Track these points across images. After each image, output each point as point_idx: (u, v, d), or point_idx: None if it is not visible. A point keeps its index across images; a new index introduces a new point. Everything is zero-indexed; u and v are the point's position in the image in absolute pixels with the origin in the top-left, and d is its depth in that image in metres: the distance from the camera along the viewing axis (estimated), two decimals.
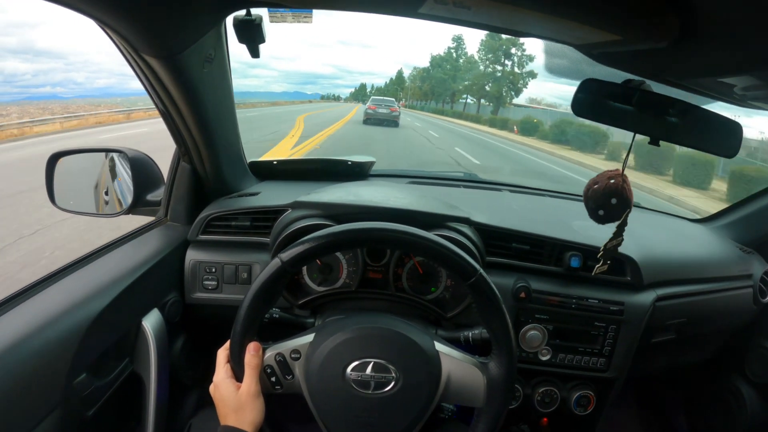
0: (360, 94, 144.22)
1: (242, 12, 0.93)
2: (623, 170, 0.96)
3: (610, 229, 0.97)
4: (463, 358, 0.84)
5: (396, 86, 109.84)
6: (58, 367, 0.79)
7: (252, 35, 0.95)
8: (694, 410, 1.73)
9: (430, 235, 0.79)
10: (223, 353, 0.84)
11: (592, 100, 0.89)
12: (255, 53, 0.99)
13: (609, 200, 0.95)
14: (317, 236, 0.78)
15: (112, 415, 0.97)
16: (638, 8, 0.63)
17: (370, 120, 20.96)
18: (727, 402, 1.56)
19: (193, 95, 0.99)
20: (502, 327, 0.81)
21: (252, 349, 0.81)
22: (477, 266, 0.80)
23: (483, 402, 0.83)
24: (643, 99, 0.86)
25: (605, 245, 1.00)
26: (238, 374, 0.82)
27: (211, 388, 0.83)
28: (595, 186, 0.97)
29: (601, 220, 0.98)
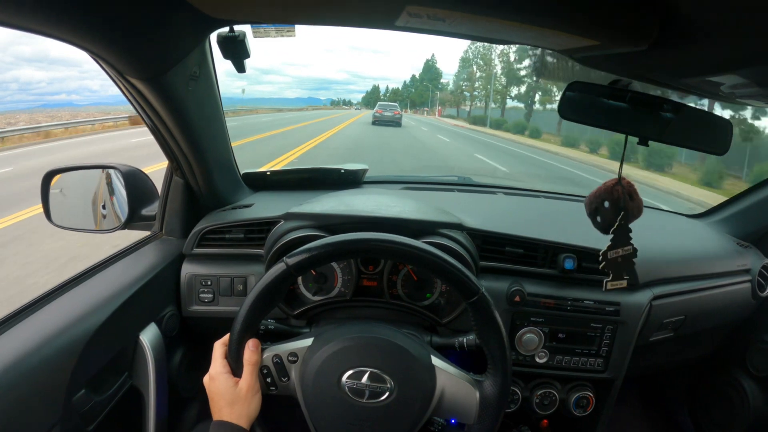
0: (372, 97, 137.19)
1: (225, 29, 0.93)
2: (620, 174, 0.94)
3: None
4: (458, 375, 0.84)
5: (412, 88, 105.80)
6: (56, 384, 0.80)
7: (236, 51, 0.96)
8: (697, 406, 1.72)
9: (434, 249, 0.80)
10: (220, 347, 0.85)
11: (579, 103, 0.88)
12: (241, 68, 0.99)
13: (602, 203, 0.94)
14: (324, 244, 0.79)
15: (112, 430, 0.97)
16: (614, 13, 0.62)
17: (377, 122, 24.74)
18: (730, 397, 1.55)
19: (179, 113, 0.99)
20: (499, 347, 0.82)
21: (252, 345, 0.82)
22: (479, 285, 0.80)
23: (474, 419, 0.83)
24: (633, 100, 0.85)
25: (604, 253, 0.96)
26: (235, 370, 0.82)
27: (206, 379, 0.83)
28: (592, 192, 0.96)
29: (601, 227, 0.96)
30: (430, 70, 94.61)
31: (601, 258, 0.96)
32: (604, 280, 0.98)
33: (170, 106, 0.96)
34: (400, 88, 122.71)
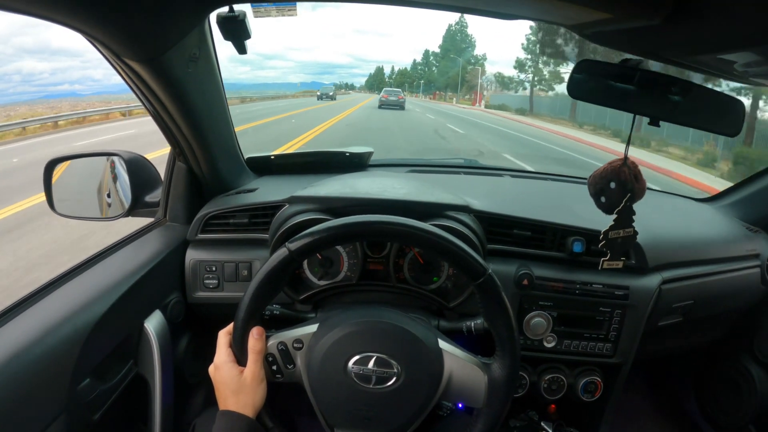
0: (376, 80, 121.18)
1: (225, 9, 0.91)
2: (626, 155, 0.93)
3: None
4: (466, 358, 0.83)
5: (426, 67, 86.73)
6: (61, 373, 0.79)
7: (236, 32, 0.94)
8: (704, 392, 1.71)
9: (440, 231, 0.78)
10: (224, 336, 0.84)
11: (588, 82, 0.87)
12: (242, 49, 0.97)
13: (608, 184, 0.94)
14: (326, 227, 0.78)
15: (118, 418, 0.97)
16: None
17: (383, 105, 27.46)
18: (737, 383, 1.55)
19: (180, 96, 0.98)
20: (507, 329, 0.80)
21: (256, 333, 0.81)
22: (486, 266, 0.78)
23: (483, 403, 0.82)
24: (643, 79, 0.83)
25: (605, 233, 0.97)
26: (239, 358, 0.82)
27: (211, 369, 0.83)
28: (596, 173, 0.95)
29: (605, 207, 0.96)
30: (454, 38, 70.30)
31: (602, 237, 0.98)
32: (601, 259, 1.00)
33: (170, 88, 0.94)
34: (408, 68, 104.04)
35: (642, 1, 0.61)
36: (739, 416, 1.55)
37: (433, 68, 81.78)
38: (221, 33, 0.94)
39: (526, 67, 37.86)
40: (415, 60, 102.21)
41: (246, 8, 0.92)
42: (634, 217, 0.97)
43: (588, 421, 1.37)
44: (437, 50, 79.87)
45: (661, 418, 1.82)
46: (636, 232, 0.98)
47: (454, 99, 58.44)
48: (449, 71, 66.63)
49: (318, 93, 39.00)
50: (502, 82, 47.91)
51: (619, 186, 0.93)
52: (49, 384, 0.78)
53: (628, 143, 0.93)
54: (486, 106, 40.09)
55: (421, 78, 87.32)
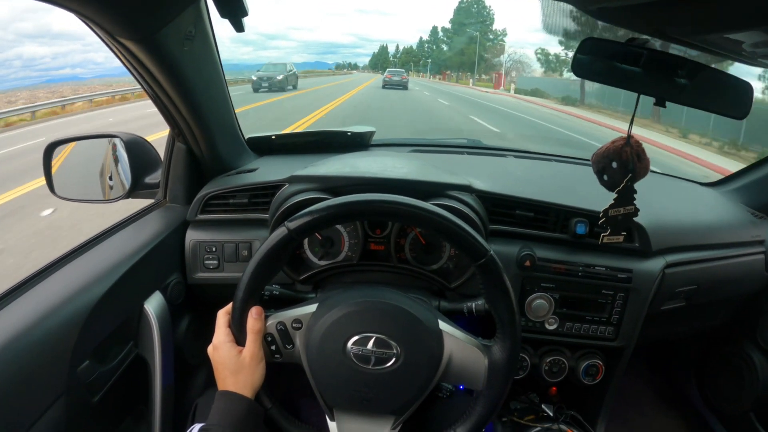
0: (380, 59, 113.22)
1: None
2: (629, 133, 0.92)
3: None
4: (466, 340, 0.83)
5: (431, 46, 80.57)
6: (60, 355, 0.80)
7: (233, 9, 0.91)
8: (705, 378, 1.71)
9: (440, 210, 0.77)
10: (223, 316, 0.84)
11: (594, 61, 0.86)
12: (239, 27, 0.95)
13: (609, 164, 0.94)
14: (325, 206, 0.77)
15: (118, 399, 0.98)
16: None
17: (387, 85, 28.02)
18: (739, 369, 1.54)
19: (176, 75, 0.96)
20: (508, 311, 0.80)
21: (255, 313, 0.81)
22: (487, 247, 0.77)
23: (483, 385, 0.82)
24: (650, 58, 0.82)
25: (605, 211, 0.98)
26: (238, 338, 0.82)
27: (210, 349, 0.83)
28: (598, 151, 0.95)
29: (608, 186, 0.96)
30: (469, 10, 62.80)
31: (601, 215, 0.99)
32: (601, 234, 1.01)
33: (166, 67, 0.93)
34: (414, 47, 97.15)
35: None
36: (740, 402, 1.54)
37: (443, 46, 75.38)
38: (217, 10, 0.92)
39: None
40: (421, 38, 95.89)
41: None
42: (635, 195, 0.97)
43: (589, 405, 1.37)
44: (448, 26, 72.81)
45: (662, 403, 1.83)
46: (637, 209, 0.98)
47: (471, 80, 49.88)
48: (464, 48, 58.10)
49: (253, 78, 20.60)
50: (546, 61, 38.61)
51: (620, 165, 0.93)
52: (48, 366, 0.78)
53: (631, 122, 0.91)
54: (516, 91, 31.96)
55: (429, 57, 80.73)
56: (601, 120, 15.55)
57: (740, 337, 1.55)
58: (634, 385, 1.84)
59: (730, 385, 1.59)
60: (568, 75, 28.62)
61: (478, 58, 51.25)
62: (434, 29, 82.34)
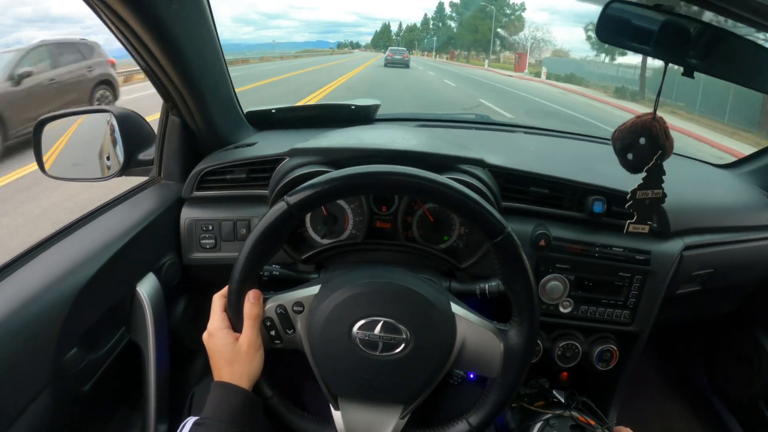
0: (382, 38, 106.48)
1: None
2: (656, 109, 0.84)
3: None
4: (480, 323, 0.77)
5: (437, 23, 73.92)
6: (43, 343, 0.75)
7: None
8: (715, 364, 1.69)
9: (454, 183, 0.71)
10: (219, 300, 0.79)
11: (617, 25, 0.80)
12: None
13: (637, 139, 0.85)
14: (327, 179, 0.71)
15: (111, 388, 0.94)
16: None
17: (388, 64, 28.74)
18: (749, 356, 1.51)
19: (164, 36, 0.89)
20: (526, 293, 0.74)
21: (252, 297, 0.75)
22: (505, 223, 0.72)
23: (498, 372, 0.77)
24: (675, 24, 0.76)
25: (633, 191, 0.89)
26: (235, 324, 0.76)
27: (205, 336, 0.78)
28: (622, 126, 0.87)
29: (632, 165, 0.87)
30: None
31: (629, 197, 0.89)
32: (627, 221, 0.92)
33: (152, 27, 0.86)
34: (418, 24, 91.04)
35: None
36: (749, 390, 1.53)
37: (449, 22, 69.06)
38: None
39: None
40: (426, 15, 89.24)
41: None
42: (663, 177, 0.89)
43: (601, 391, 1.33)
44: (456, 0, 65.48)
45: (671, 390, 1.81)
46: (665, 194, 0.90)
47: (486, 61, 42.34)
48: (477, 24, 50.59)
49: None
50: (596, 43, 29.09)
51: (649, 141, 0.84)
52: (31, 356, 0.73)
53: (658, 97, 0.84)
54: (548, 77, 25.79)
55: (434, 34, 75.46)
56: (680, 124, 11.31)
57: (751, 324, 1.52)
58: (642, 371, 1.80)
59: (739, 372, 1.57)
60: (621, 59, 22.92)
61: (493, 35, 45.10)
62: (440, 5, 76.45)
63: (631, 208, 0.90)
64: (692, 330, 1.76)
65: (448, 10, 72.96)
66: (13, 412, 0.70)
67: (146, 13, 0.83)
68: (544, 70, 27.66)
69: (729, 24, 0.78)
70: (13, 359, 0.70)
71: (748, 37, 0.79)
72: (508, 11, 49.24)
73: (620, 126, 0.87)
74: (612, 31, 0.81)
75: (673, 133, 0.86)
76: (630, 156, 0.86)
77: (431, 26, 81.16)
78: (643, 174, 0.87)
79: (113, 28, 0.86)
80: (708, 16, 0.78)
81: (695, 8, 0.75)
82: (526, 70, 31.47)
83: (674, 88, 13.56)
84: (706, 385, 1.71)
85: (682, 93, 13.99)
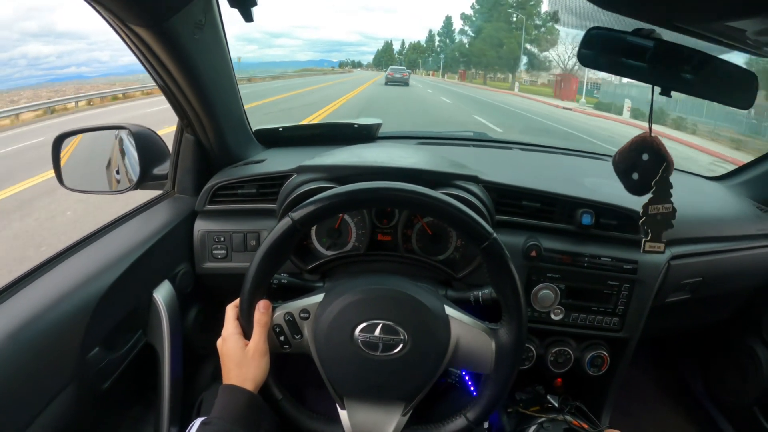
0: (384, 56, 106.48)
1: None
2: (650, 127, 0.88)
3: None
4: (473, 323, 0.84)
5: (443, 39, 67.76)
6: (70, 342, 0.81)
7: None
8: (710, 371, 1.71)
9: (443, 196, 0.78)
10: (232, 309, 0.85)
11: (599, 50, 0.85)
12: (248, 17, 0.95)
13: (640, 156, 0.87)
14: (328, 195, 0.78)
15: (127, 387, 0.99)
16: None
17: (389, 82, 31.05)
18: (744, 364, 1.54)
19: (186, 64, 0.97)
20: (513, 293, 0.81)
21: (261, 306, 0.82)
22: (491, 230, 0.78)
23: (491, 368, 0.83)
24: (656, 48, 0.81)
25: (645, 206, 0.89)
26: (246, 331, 0.83)
27: (219, 342, 0.84)
28: (622, 148, 0.89)
29: (639, 185, 0.88)
30: None
31: (642, 212, 0.90)
32: (643, 240, 0.92)
33: (176, 55, 0.94)
34: (422, 42, 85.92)
35: None
36: (744, 396, 1.55)
37: (461, 37, 56.64)
38: (227, 0, 0.93)
39: None
40: (431, 30, 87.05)
41: None
42: (671, 191, 0.89)
43: (593, 396, 1.37)
44: (468, 11, 53.42)
45: (666, 396, 1.83)
46: (675, 209, 0.90)
47: (516, 84, 34.23)
48: (502, 38, 39.37)
49: None
50: None
51: (652, 156, 0.86)
52: (58, 353, 0.79)
53: (650, 116, 0.89)
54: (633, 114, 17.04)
55: (441, 52, 68.85)
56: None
57: (745, 331, 1.55)
58: (638, 378, 1.84)
59: (734, 379, 1.59)
60: None
61: (522, 51, 35.96)
62: (448, 18, 69.28)
63: (644, 225, 0.90)
64: (688, 338, 1.79)
65: (458, 25, 64.49)
66: (41, 403, 0.75)
67: (172, 43, 0.91)
68: (627, 103, 18.14)
69: (703, 46, 0.84)
70: (42, 354, 0.76)
71: (722, 56, 0.84)
72: (538, 22, 39.27)
73: (619, 149, 0.89)
74: (594, 56, 0.85)
75: (675, 145, 0.88)
76: (635, 175, 0.88)
77: (437, 44, 75.29)
78: (650, 189, 0.87)
79: (138, 54, 0.94)
80: (690, 41, 0.80)
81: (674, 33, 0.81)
82: (583, 99, 23.56)
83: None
84: (702, 392, 1.73)
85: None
